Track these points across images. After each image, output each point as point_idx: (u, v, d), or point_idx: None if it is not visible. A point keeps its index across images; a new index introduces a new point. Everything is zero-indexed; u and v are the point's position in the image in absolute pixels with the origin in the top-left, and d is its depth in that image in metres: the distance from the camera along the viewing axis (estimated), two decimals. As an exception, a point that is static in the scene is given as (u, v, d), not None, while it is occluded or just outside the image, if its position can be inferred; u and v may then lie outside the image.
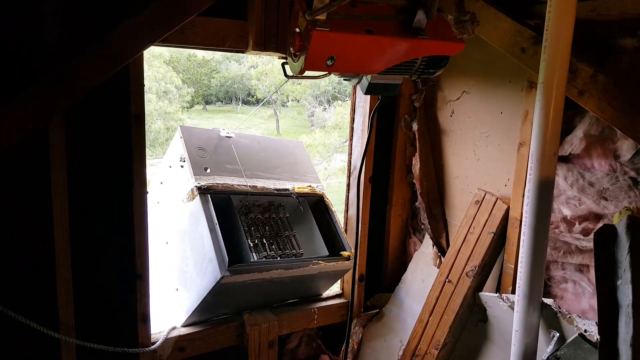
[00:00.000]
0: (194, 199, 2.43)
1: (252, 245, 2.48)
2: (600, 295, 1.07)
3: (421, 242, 2.73)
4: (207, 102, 26.97)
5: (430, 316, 2.35)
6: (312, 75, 1.71)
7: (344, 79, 1.69)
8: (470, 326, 2.31)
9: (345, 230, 2.88)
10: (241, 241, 2.43)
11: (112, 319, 2.12)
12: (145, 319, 2.18)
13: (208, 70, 25.73)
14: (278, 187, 2.73)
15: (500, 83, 2.27)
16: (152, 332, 2.27)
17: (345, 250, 2.58)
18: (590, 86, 1.71)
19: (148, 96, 17.70)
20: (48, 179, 1.80)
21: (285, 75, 1.66)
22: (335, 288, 2.98)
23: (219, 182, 2.53)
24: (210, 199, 2.43)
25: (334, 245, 2.64)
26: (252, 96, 25.78)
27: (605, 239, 1.16)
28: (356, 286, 2.82)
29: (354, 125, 2.75)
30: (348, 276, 2.87)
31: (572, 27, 1.65)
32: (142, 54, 1.91)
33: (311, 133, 18.98)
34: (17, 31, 1.66)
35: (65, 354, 1.98)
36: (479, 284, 2.25)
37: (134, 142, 1.97)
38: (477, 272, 2.21)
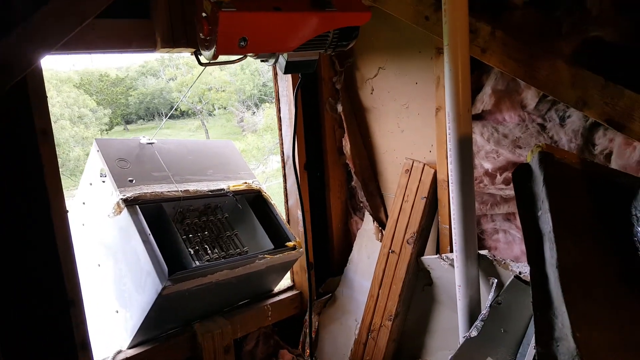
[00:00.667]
0: (121, 212, 2.30)
1: (192, 251, 2.38)
2: (525, 229, 1.13)
3: (362, 220, 2.78)
4: (128, 122, 25.77)
5: (379, 289, 2.39)
6: (227, 60, 1.68)
7: (261, 60, 1.67)
8: (418, 292, 2.38)
9: (288, 222, 2.86)
10: (179, 249, 2.34)
11: (49, 350, 1.95)
12: (85, 346, 2.03)
13: (124, 89, 24.60)
14: (212, 188, 2.66)
15: (411, 55, 2.35)
16: (95, 359, 2.13)
17: (290, 241, 2.56)
18: (491, 43, 1.82)
19: (61, 122, 16.67)
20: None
21: (199, 62, 1.61)
22: (286, 281, 2.95)
23: (146, 191, 2.42)
24: (139, 209, 2.31)
25: (278, 238, 2.61)
26: (176, 109, 24.97)
27: (522, 176, 1.23)
28: (305, 275, 2.81)
29: (281, 115, 2.73)
30: (297, 267, 2.86)
31: (467, -11, 1.74)
32: (40, 67, 1.78)
33: (243, 138, 18.75)
34: None
35: (-1, 400, 1.81)
36: (419, 250, 2.33)
37: (44, 159, 1.83)
38: (416, 238, 2.28)
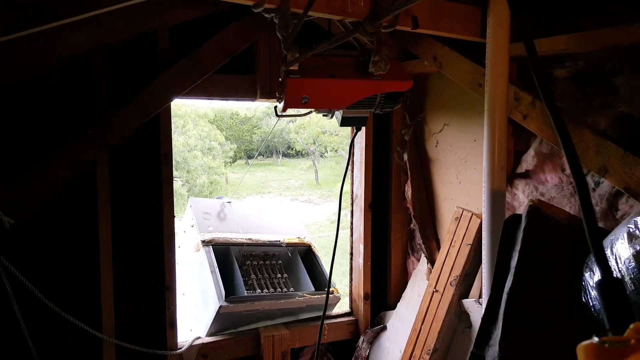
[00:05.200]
0: (199, 250, 3.15)
1: (248, 285, 3.14)
2: (497, 264, 1.36)
3: (419, 261, 3.01)
4: (249, 157, 28.23)
5: (422, 324, 2.59)
6: (297, 113, 2.16)
7: (323, 115, 2.10)
8: (459, 333, 2.53)
9: (351, 254, 3.20)
10: (239, 283, 3.09)
11: (144, 324, 2.51)
12: (172, 325, 2.56)
13: (250, 127, 27.15)
14: (271, 239, 3.47)
15: (472, 115, 2.62)
16: (178, 340, 2.64)
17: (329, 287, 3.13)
18: (531, 111, 2.05)
19: (194, 152, 18.86)
20: (95, 204, 2.29)
21: (277, 114, 2.10)
22: (345, 307, 3.26)
23: (219, 236, 3.30)
24: (212, 249, 3.16)
25: (320, 283, 3.30)
26: (292, 149, 26.81)
27: (511, 224, 1.46)
28: (362, 304, 3.10)
29: (354, 159, 3.14)
30: (356, 295, 3.17)
31: (507, 63, 2.02)
32: (170, 105, 2.43)
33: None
34: (77, 84, 2.22)
35: (106, 352, 2.38)
36: (463, 292, 2.50)
37: (163, 175, 2.45)
38: (459, 280, 2.46)
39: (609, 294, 0.51)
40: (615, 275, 0.50)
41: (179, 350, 2.58)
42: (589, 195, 0.56)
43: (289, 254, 3.47)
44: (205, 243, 3.21)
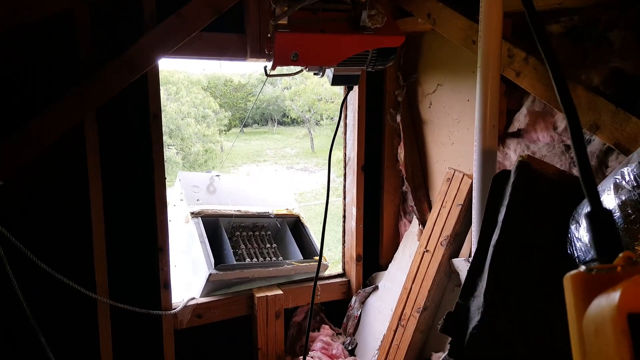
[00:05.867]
0: (188, 222, 3.22)
1: (237, 255, 3.21)
2: (484, 219, 1.36)
3: (410, 223, 3.03)
4: (244, 125, 27.98)
5: (412, 283, 2.63)
6: (288, 72, 2.12)
7: (314, 73, 2.06)
8: (449, 292, 2.58)
9: (344, 216, 3.22)
10: (228, 253, 3.16)
11: (139, 285, 2.54)
12: (167, 285, 2.59)
13: (244, 94, 26.80)
14: (259, 210, 3.53)
15: (466, 74, 2.58)
16: (173, 301, 2.68)
17: (316, 255, 3.18)
18: (524, 67, 2.02)
19: (187, 120, 18.66)
20: (85, 165, 2.27)
21: (266, 73, 2.05)
22: (337, 268, 3.31)
23: (208, 208, 3.36)
24: (201, 220, 3.23)
25: (308, 252, 3.40)
26: (287, 117, 26.57)
27: (500, 179, 1.46)
28: (354, 266, 3.14)
29: (347, 121, 3.11)
30: (348, 257, 3.20)
31: (501, 18, 1.96)
32: (157, 65, 2.37)
33: (344, 149, 19.34)
34: (60, 43, 2.16)
35: (100, 312, 2.41)
36: (452, 252, 2.53)
37: (153, 136, 2.42)
38: (449, 240, 2.49)
39: (598, 224, 0.50)
40: (605, 207, 0.49)
41: (173, 311, 2.62)
42: (582, 136, 0.55)
43: (278, 225, 3.57)
44: (195, 215, 3.28)
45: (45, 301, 2.30)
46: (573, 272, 0.45)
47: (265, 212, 3.53)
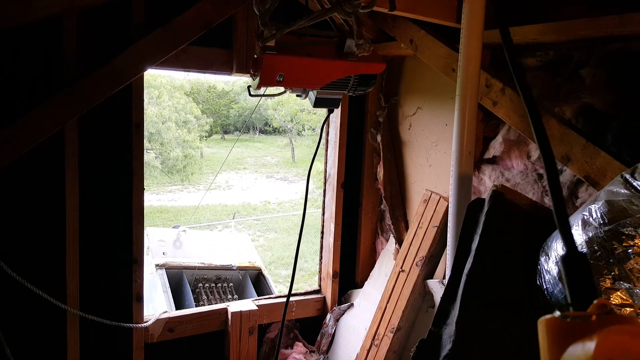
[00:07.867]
0: (153, 273, 3.42)
1: (199, 305, 3.39)
2: (459, 246, 1.41)
3: (387, 241, 3.07)
4: (226, 132, 27.86)
5: (387, 303, 2.66)
6: (272, 93, 2.14)
7: (297, 95, 2.09)
8: (422, 312, 2.61)
9: (322, 232, 3.24)
10: (190, 304, 3.35)
11: (111, 297, 2.50)
12: (139, 298, 2.56)
13: (227, 101, 26.72)
14: (223, 263, 3.72)
15: (444, 99, 2.65)
16: (145, 315, 2.64)
17: None
18: (501, 98, 2.09)
19: (168, 124, 18.49)
20: (62, 172, 2.23)
21: (250, 94, 2.07)
22: (314, 285, 3.32)
23: (172, 261, 3.54)
24: (165, 272, 3.42)
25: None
26: (269, 125, 26.57)
27: (474, 207, 1.51)
28: (330, 282, 3.15)
29: (329, 138, 3.15)
30: (324, 274, 3.21)
31: (480, 49, 2.04)
32: (143, 75, 2.37)
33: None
34: (47, 49, 2.14)
35: (70, 324, 2.36)
36: (427, 273, 2.57)
37: (134, 146, 2.40)
38: (424, 262, 2.53)
39: (573, 269, 0.49)
40: (580, 250, 0.50)
41: (145, 324, 2.58)
42: (557, 173, 0.56)
43: (240, 277, 3.84)
44: (159, 266, 3.49)
45: (11, 310, 2.24)
46: (548, 316, 0.44)
47: (229, 265, 3.75)
